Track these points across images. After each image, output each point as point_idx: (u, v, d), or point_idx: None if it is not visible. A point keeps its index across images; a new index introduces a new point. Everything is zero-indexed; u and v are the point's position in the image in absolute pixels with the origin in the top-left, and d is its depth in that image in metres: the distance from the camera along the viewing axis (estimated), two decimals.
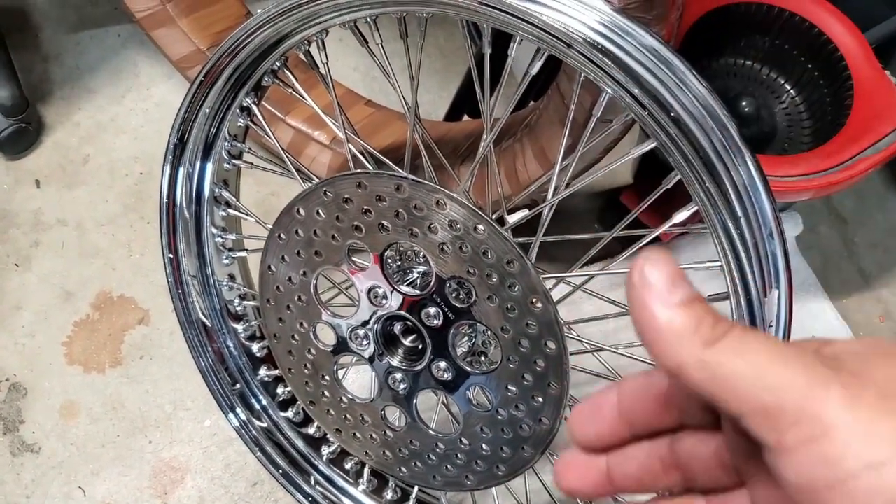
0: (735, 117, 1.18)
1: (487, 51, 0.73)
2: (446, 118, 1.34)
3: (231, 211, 1.01)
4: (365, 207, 0.77)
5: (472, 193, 1.03)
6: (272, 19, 0.79)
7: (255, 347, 1.06)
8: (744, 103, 1.18)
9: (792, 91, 1.25)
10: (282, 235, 0.84)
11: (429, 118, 1.35)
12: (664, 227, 0.73)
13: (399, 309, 0.82)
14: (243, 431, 1.07)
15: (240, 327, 1.06)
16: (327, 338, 0.89)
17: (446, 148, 1.20)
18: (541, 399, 0.77)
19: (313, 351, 0.90)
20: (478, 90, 0.77)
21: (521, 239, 0.88)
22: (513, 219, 0.79)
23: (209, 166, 0.96)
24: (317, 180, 0.80)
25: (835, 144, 1.02)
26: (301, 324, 0.89)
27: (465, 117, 1.33)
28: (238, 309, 1.06)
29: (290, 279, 0.86)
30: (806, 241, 1.40)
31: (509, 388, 0.78)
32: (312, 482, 1.08)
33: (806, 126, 1.23)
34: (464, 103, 1.33)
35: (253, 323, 1.06)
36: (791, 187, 1.00)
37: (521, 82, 0.74)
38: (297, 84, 0.88)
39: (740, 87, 1.25)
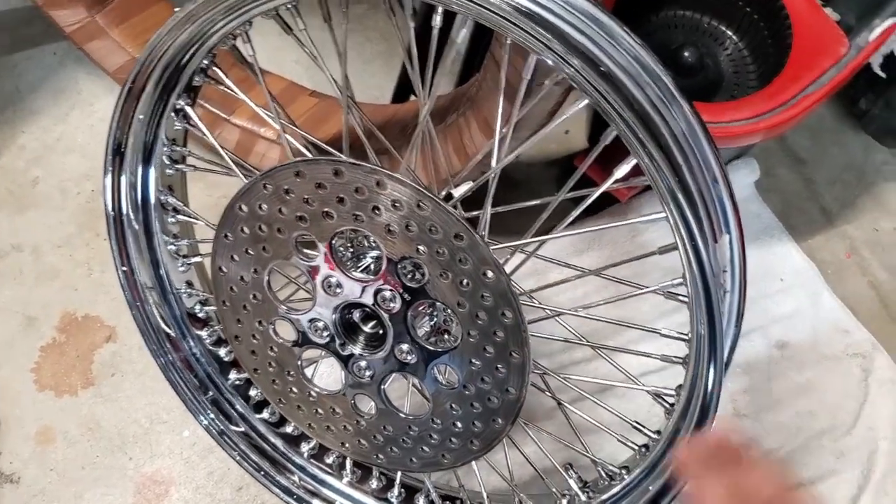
0: (679, 68, 1.18)
1: (411, 24, 0.72)
2: (393, 100, 1.33)
3: (181, 217, 0.99)
4: (306, 197, 0.76)
5: (422, 173, 1.02)
6: (192, 15, 0.77)
7: (222, 352, 1.05)
8: (686, 54, 1.17)
9: (734, 37, 1.24)
10: (228, 235, 0.83)
11: (376, 102, 1.34)
12: (607, 184, 0.72)
13: (355, 296, 0.81)
14: (219, 435, 1.06)
15: (204, 333, 1.04)
16: (288, 334, 0.88)
17: (394, 130, 1.19)
18: (504, 369, 0.76)
19: (275, 348, 0.89)
20: (407, 65, 0.76)
21: (473, 213, 0.87)
22: (458, 192, 0.78)
23: (151, 173, 0.95)
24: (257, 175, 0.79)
25: (777, 85, 1.02)
26: (259, 322, 0.88)
27: (413, 97, 1.32)
28: (201, 315, 1.04)
29: (242, 278, 0.85)
30: (765, 185, 1.40)
31: (473, 361, 0.78)
32: (297, 480, 1.07)
33: (751, 70, 1.22)
34: (408, 84, 1.32)
35: (217, 328, 1.05)
36: (739, 132, 0.99)
37: (448, 51, 0.73)
38: (227, 80, 0.86)
39: (682, 37, 1.25)
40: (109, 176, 0.93)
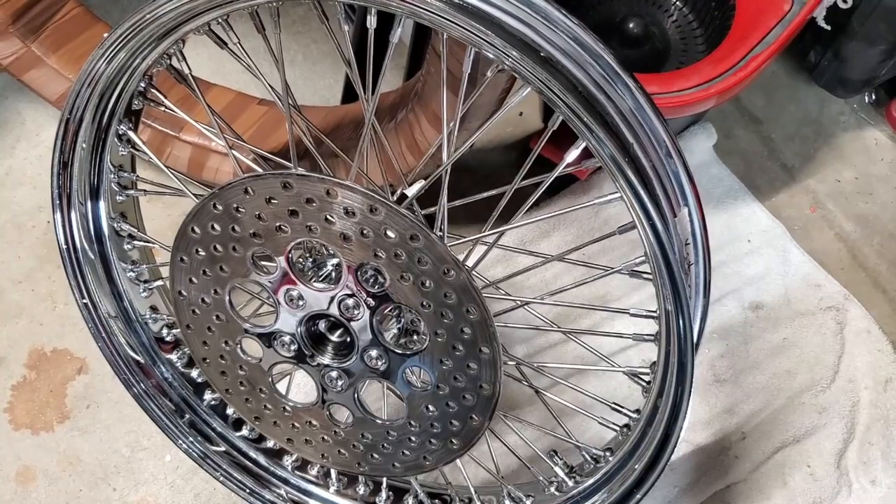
0: (624, 40, 1.17)
1: (345, 27, 0.70)
2: (343, 101, 1.31)
3: (137, 242, 0.97)
4: (257, 212, 0.74)
5: (377, 173, 1.01)
6: (120, 41, 0.75)
7: (194, 373, 1.03)
8: (631, 25, 1.16)
9: (678, 2, 1.24)
10: (184, 258, 0.81)
11: (326, 103, 1.32)
12: (559, 169, 0.71)
13: (318, 307, 0.80)
14: (200, 457, 1.05)
15: (174, 356, 1.03)
16: (256, 351, 0.87)
17: (347, 130, 1.18)
18: (476, 366, 0.75)
19: (244, 367, 0.88)
20: (347, 70, 0.74)
21: (430, 209, 0.86)
22: (411, 191, 0.77)
23: (101, 202, 0.93)
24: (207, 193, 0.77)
25: (725, 48, 1.01)
26: (226, 342, 0.86)
27: None
28: (169, 338, 1.03)
29: (203, 300, 0.84)
30: (724, 147, 1.39)
31: (444, 361, 0.77)
32: (283, 493, 1.06)
33: (698, 35, 1.22)
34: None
35: (186, 349, 1.03)
36: (690, 100, 0.99)
37: (388, 52, 0.72)
38: (167, 101, 0.85)
39: (626, 9, 1.24)
40: (59, 212, 0.91)
